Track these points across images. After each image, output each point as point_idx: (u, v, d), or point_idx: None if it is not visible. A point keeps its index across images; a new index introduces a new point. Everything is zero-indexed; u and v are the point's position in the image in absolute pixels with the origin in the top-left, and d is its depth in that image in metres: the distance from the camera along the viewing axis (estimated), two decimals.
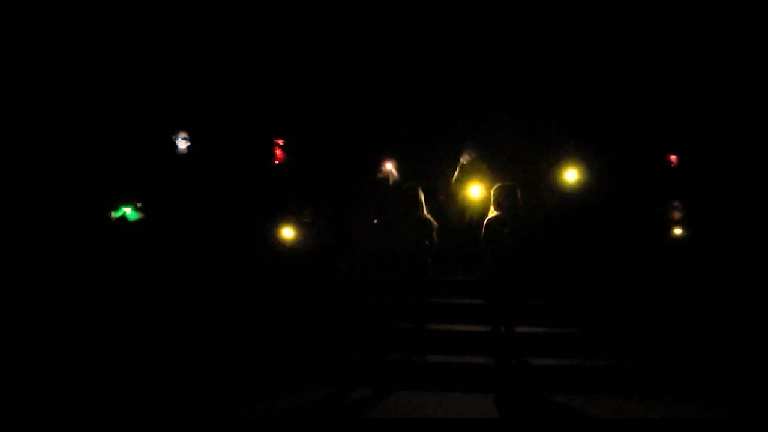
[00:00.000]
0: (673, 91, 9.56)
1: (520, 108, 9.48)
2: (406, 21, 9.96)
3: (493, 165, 8.45)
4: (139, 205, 8.04)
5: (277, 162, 8.89)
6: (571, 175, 8.58)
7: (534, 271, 7.19)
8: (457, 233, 8.38)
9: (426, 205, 7.32)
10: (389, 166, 8.69)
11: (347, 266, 8.34)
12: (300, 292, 7.82)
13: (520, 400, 6.43)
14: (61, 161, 8.80)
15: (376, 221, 8.22)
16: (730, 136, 9.14)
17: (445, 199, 8.59)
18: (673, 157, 8.89)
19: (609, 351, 7.12)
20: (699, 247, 7.91)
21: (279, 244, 7.97)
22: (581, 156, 8.65)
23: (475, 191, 8.14)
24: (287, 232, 8.01)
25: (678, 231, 8.00)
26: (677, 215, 8.05)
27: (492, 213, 7.04)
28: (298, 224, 8.02)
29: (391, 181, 8.71)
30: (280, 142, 8.83)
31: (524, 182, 7.63)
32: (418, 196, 7.26)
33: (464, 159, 8.54)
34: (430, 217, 7.31)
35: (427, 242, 7.13)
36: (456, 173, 8.56)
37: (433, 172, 8.97)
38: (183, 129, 8.67)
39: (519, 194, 7.03)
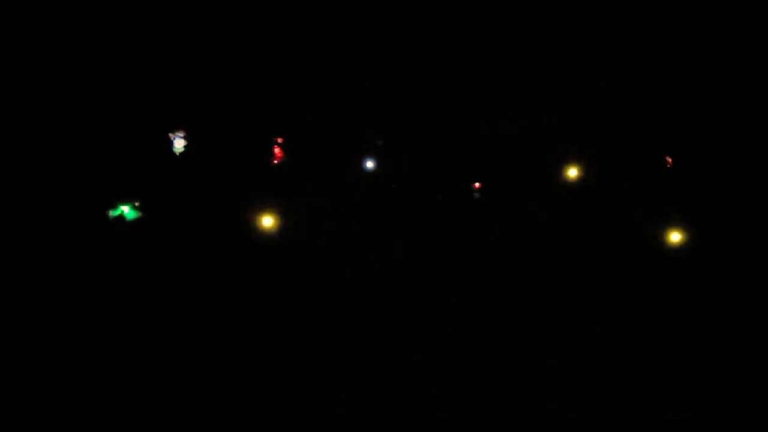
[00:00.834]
0: (673, 90, 9.54)
1: (520, 106, 9.47)
2: (405, 20, 9.95)
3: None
4: (137, 204, 8.02)
5: (275, 161, 8.87)
6: (571, 174, 8.57)
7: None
8: None
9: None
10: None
11: None
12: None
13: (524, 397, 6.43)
14: (59, 160, 8.79)
15: None
16: (730, 136, 9.14)
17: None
18: (669, 159, 8.86)
19: (608, 351, 7.12)
20: (698, 246, 7.90)
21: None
22: (580, 155, 8.65)
23: None
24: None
25: (675, 233, 7.99)
26: (676, 215, 8.03)
27: None
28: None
29: None
30: (279, 141, 8.80)
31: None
32: None
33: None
34: None
35: None
36: None
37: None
38: (180, 127, 8.65)
39: None
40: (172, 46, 9.73)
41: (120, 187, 7.84)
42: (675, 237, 8.01)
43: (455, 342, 7.29)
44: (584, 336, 7.26)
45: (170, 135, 8.70)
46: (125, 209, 7.76)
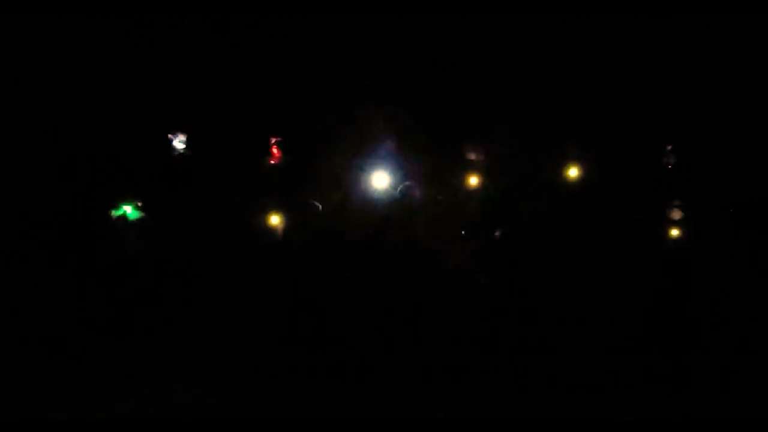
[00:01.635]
0: (673, 90, 9.55)
1: (520, 104, 9.48)
2: (405, 20, 9.95)
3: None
4: (139, 204, 8.03)
5: (273, 161, 8.86)
6: (571, 174, 8.58)
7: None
8: None
9: None
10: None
11: None
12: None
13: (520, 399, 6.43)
14: (61, 159, 8.80)
15: None
16: (730, 136, 9.14)
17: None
18: (671, 158, 8.87)
19: (608, 351, 7.12)
20: (698, 246, 7.91)
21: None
22: (580, 155, 8.65)
23: None
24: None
25: (676, 230, 7.99)
26: (676, 214, 8.03)
27: None
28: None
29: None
30: (277, 140, 8.79)
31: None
32: None
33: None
34: None
35: None
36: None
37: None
38: (181, 128, 8.66)
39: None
40: (172, 46, 9.75)
41: (121, 187, 7.84)
42: (675, 237, 8.02)
43: (455, 342, 7.30)
44: (584, 336, 7.27)
45: (170, 135, 8.70)
46: (128, 209, 7.77)
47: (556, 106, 9.56)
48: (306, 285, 8.02)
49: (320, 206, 8.25)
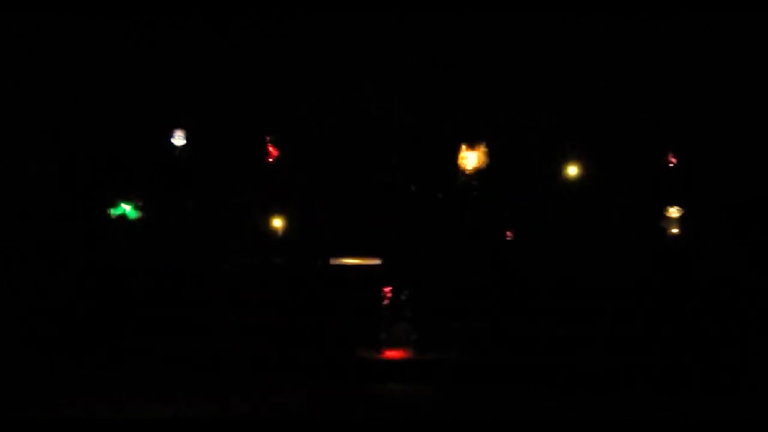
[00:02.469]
0: (673, 90, 9.55)
1: (520, 104, 9.49)
2: (406, 19, 9.96)
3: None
4: (140, 204, 8.04)
5: (271, 159, 8.86)
6: (571, 174, 8.59)
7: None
8: None
9: None
10: None
11: None
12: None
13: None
14: (60, 159, 8.81)
15: None
16: (730, 136, 9.14)
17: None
18: (673, 158, 8.87)
19: (608, 351, 7.12)
20: (698, 246, 7.91)
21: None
22: (580, 153, 8.66)
23: None
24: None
25: (676, 230, 7.99)
26: (676, 214, 8.03)
27: None
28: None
29: None
30: (273, 138, 8.79)
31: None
32: None
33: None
34: None
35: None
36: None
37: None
38: (180, 127, 8.66)
39: None
40: (172, 46, 9.76)
41: (120, 187, 7.83)
42: (675, 237, 8.02)
43: (454, 341, 7.30)
44: (584, 335, 7.27)
45: (170, 134, 8.70)
46: (127, 208, 7.77)
47: (556, 107, 9.56)
48: (305, 283, 8.03)
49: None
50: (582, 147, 8.83)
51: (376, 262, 7.92)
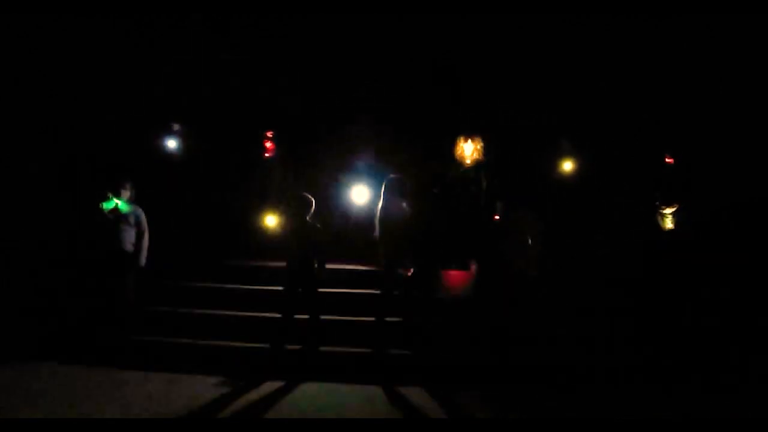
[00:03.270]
0: (672, 90, 9.56)
1: (520, 106, 9.50)
2: (406, 20, 9.98)
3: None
4: (131, 197, 7.99)
5: (267, 155, 8.86)
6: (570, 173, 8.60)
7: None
8: None
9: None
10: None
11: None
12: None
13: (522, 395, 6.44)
14: (54, 153, 8.86)
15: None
16: (730, 136, 9.15)
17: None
18: (670, 158, 8.84)
19: (608, 351, 7.12)
20: (698, 245, 7.90)
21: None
22: (577, 150, 8.68)
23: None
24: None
25: (670, 225, 7.95)
26: (671, 211, 7.99)
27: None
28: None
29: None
30: (270, 134, 8.79)
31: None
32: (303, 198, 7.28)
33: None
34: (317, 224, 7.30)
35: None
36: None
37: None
38: (174, 122, 8.66)
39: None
40: (172, 45, 9.79)
41: (114, 182, 7.80)
42: (675, 236, 8.01)
43: (454, 341, 7.30)
44: (584, 335, 7.26)
45: (166, 130, 8.68)
46: (118, 202, 7.71)
47: (556, 107, 9.57)
48: (304, 282, 8.02)
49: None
50: (582, 147, 8.83)
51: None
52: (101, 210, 7.66)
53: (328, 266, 7.35)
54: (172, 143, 8.85)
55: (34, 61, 9.23)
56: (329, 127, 9.58)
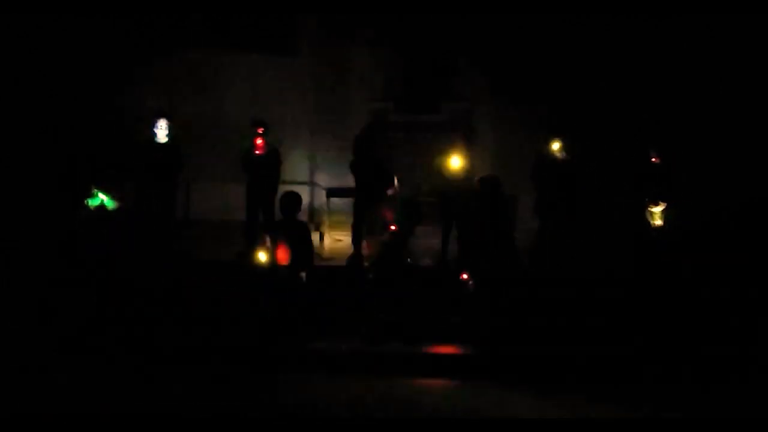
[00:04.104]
0: (672, 90, 9.57)
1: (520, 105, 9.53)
2: (405, 21, 10.03)
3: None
4: (118, 193, 7.94)
5: (257, 151, 8.82)
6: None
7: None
8: None
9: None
10: None
11: None
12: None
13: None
14: (39, 148, 8.87)
15: None
16: (729, 135, 9.16)
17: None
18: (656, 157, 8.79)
19: (608, 350, 7.12)
20: (698, 246, 7.89)
21: None
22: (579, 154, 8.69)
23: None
24: None
25: (659, 222, 7.92)
26: (660, 208, 7.96)
27: None
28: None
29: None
30: (260, 131, 8.77)
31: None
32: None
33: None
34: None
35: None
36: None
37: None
38: (162, 117, 8.62)
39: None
40: (171, 45, 9.82)
41: (102, 177, 7.77)
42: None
43: (454, 340, 7.30)
44: (584, 336, 7.26)
45: (151, 124, 8.63)
46: (104, 198, 7.65)
47: (556, 106, 9.58)
48: (303, 280, 8.02)
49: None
50: (582, 147, 8.83)
51: None
52: (86, 206, 7.59)
53: None
54: (158, 137, 8.70)
55: (34, 61, 9.24)
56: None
